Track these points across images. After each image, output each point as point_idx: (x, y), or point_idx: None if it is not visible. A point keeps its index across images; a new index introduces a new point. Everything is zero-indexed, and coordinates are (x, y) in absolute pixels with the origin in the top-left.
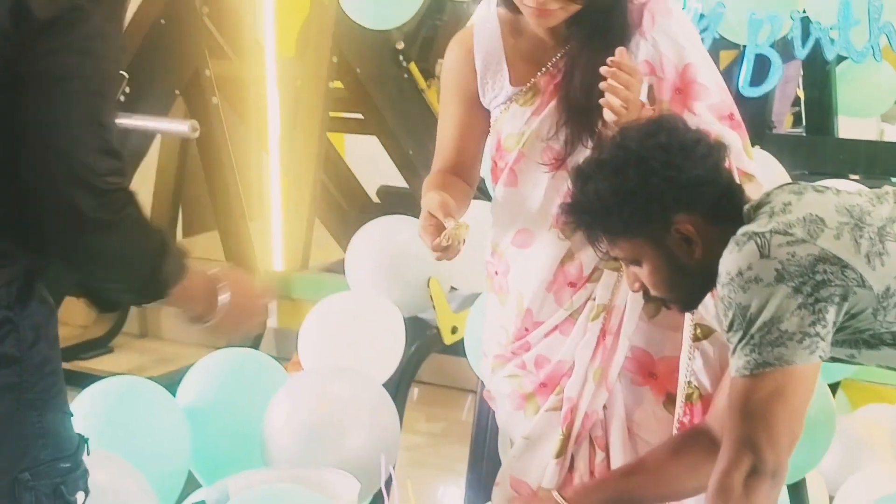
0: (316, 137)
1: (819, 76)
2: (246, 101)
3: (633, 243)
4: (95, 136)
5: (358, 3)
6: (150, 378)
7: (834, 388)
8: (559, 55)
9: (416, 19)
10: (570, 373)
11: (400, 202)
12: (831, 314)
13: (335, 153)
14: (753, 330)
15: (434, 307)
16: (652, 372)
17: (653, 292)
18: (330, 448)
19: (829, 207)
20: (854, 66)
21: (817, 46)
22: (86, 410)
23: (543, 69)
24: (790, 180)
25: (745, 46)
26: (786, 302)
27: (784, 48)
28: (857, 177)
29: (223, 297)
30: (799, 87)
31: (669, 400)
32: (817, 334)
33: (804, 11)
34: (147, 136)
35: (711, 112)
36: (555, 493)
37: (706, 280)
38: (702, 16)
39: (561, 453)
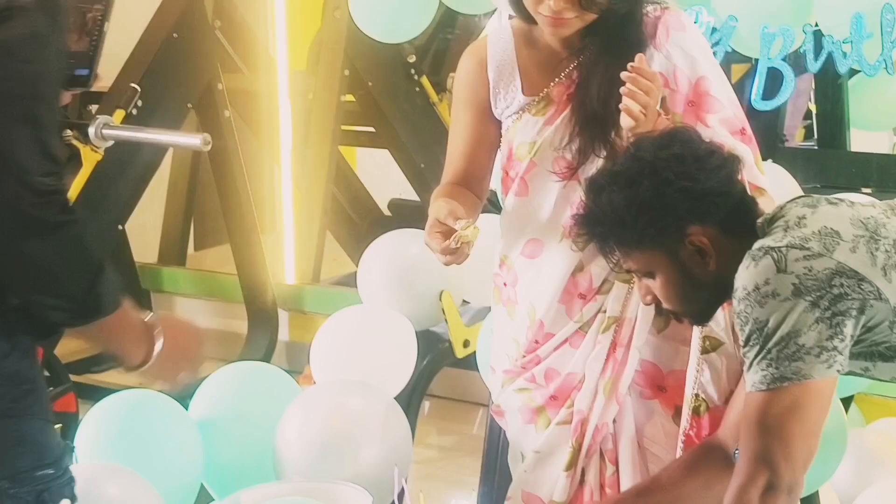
0: (327, 151)
1: (831, 89)
2: (258, 115)
3: (647, 255)
4: (30, 137)
5: (370, 16)
6: (162, 391)
7: (847, 402)
8: (573, 66)
9: (427, 33)
10: (581, 386)
11: (411, 215)
12: (849, 328)
13: (347, 166)
14: (771, 344)
15: (446, 320)
16: (661, 385)
17: (665, 305)
18: (342, 461)
19: (843, 220)
20: (866, 79)
21: (830, 60)
22: (98, 423)
23: (557, 79)
24: (802, 194)
25: (757, 60)
26: (803, 316)
27: (796, 62)
28: (869, 190)
29: (158, 345)
30: (810, 100)
31: (678, 413)
32: (835, 348)
33: (817, 25)
34: (159, 150)
35: (723, 126)
36: None
37: (719, 293)
38: (714, 29)
39: (571, 466)
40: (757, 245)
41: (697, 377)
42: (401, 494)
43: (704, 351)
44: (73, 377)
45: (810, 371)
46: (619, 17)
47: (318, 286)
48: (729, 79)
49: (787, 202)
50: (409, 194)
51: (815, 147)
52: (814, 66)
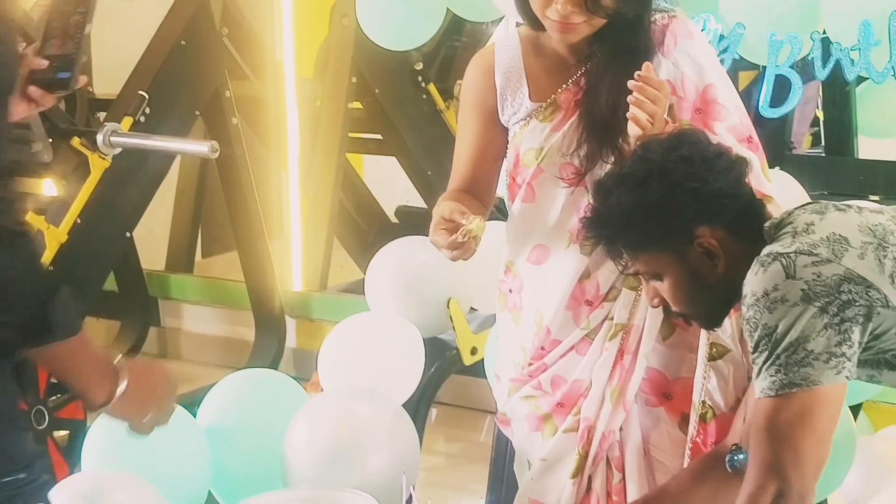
0: (335, 158)
1: (839, 97)
2: (265, 122)
3: (656, 257)
4: None
5: (377, 24)
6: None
7: (856, 409)
8: (580, 72)
9: (434, 40)
10: (587, 393)
11: (419, 223)
12: (857, 334)
13: (354, 173)
14: (780, 350)
15: (454, 328)
16: (667, 393)
17: (674, 308)
18: (350, 469)
19: (852, 227)
20: (874, 86)
21: (837, 67)
22: (106, 430)
23: (564, 85)
24: (810, 200)
25: (764, 67)
26: (812, 322)
27: (804, 69)
28: (877, 197)
29: (122, 385)
30: (818, 107)
31: (684, 421)
32: (843, 354)
33: (824, 32)
34: (167, 157)
35: (731, 134)
36: None
37: (728, 296)
38: (722, 36)
39: (577, 473)
40: (766, 251)
41: (704, 384)
42: (408, 502)
43: (711, 358)
44: None
45: (819, 377)
46: (626, 24)
47: (326, 293)
48: (736, 86)
49: (795, 208)
50: (417, 201)
51: (823, 154)
52: (821, 73)
